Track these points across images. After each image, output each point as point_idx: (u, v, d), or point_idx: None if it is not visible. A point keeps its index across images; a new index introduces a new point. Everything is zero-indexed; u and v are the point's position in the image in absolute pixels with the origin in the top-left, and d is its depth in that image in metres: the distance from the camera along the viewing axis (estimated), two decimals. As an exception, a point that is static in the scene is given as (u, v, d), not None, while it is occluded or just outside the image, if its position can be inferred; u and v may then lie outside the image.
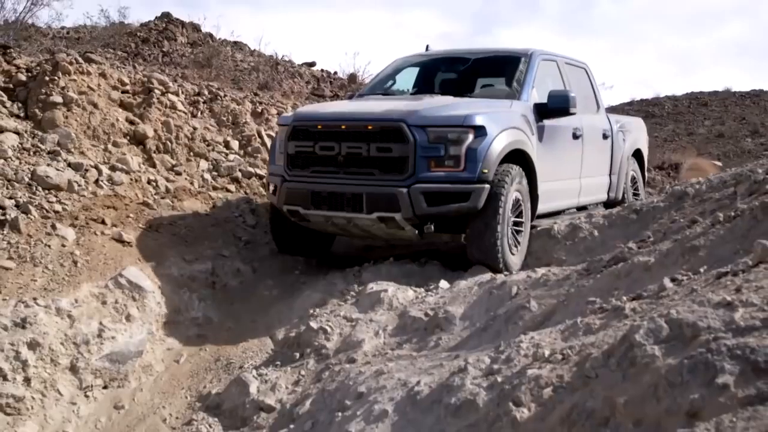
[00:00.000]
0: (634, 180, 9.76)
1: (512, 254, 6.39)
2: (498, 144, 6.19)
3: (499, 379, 3.26)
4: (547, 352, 3.25)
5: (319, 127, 6.42)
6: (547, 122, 7.21)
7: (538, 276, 5.23)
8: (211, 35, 20.45)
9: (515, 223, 6.49)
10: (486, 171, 6.05)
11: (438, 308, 5.25)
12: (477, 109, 6.46)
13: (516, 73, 7.44)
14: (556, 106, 7.15)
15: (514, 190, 6.37)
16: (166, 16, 19.85)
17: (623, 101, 38.83)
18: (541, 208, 7.05)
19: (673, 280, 3.62)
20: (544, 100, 7.22)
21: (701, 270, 3.59)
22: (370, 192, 6.06)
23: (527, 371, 3.04)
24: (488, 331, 4.66)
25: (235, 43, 20.85)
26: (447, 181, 6.01)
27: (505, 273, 6.11)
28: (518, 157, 6.57)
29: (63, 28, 18.18)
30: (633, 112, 36.69)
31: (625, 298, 3.67)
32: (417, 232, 6.20)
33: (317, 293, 6.08)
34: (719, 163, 17.84)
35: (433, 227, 6.18)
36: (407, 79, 8.39)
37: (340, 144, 6.20)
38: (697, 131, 32.84)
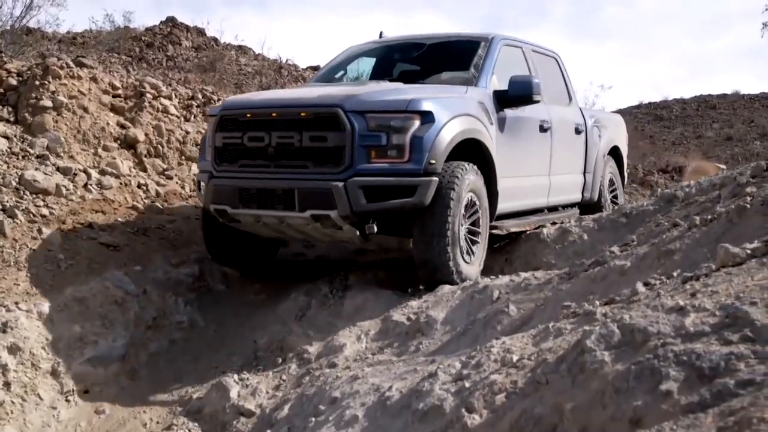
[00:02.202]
0: (612, 182, 9.18)
1: (466, 262, 5.79)
2: (448, 132, 5.63)
3: (467, 384, 3.22)
4: (515, 358, 3.21)
5: (248, 115, 5.82)
6: (509, 112, 6.67)
7: (521, 280, 5.19)
8: (215, 39, 20.57)
9: (470, 229, 5.96)
10: (434, 162, 5.48)
11: (420, 312, 5.21)
12: (424, 93, 5.89)
13: (474, 59, 6.88)
14: (517, 93, 6.56)
15: (467, 190, 5.76)
16: (170, 21, 19.99)
17: (631, 104, 38.87)
18: (503, 207, 6.53)
19: (646, 284, 3.56)
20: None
21: (674, 274, 3.54)
22: (302, 187, 5.48)
23: (490, 377, 3.00)
24: (467, 336, 4.62)
25: (240, 47, 20.96)
26: (389, 173, 5.42)
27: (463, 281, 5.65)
28: (473, 149, 6.06)
29: (68, 32, 18.31)
30: (641, 115, 36.72)
31: (597, 302, 3.62)
32: (358, 232, 5.61)
33: (302, 297, 6.03)
34: (723, 166, 17.72)
35: (375, 227, 5.56)
36: (362, 69, 7.89)
37: (270, 134, 5.62)
38: (705, 134, 32.76)
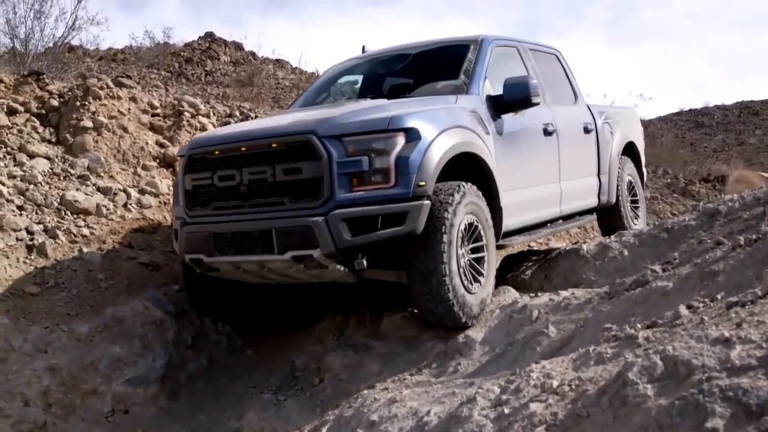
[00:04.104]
0: (630, 184, 8.43)
1: (470, 293, 5.18)
2: (438, 149, 5.07)
3: (506, 411, 3.17)
4: (555, 383, 3.15)
5: (217, 153, 5.28)
6: (507, 118, 6.13)
7: (560, 299, 5.11)
8: (253, 53, 20.78)
9: (474, 251, 5.38)
10: (423, 184, 4.90)
11: (458, 332, 5.17)
12: (407, 108, 5.36)
13: (464, 64, 6.32)
14: (514, 97, 5.99)
15: (465, 212, 5.18)
16: (209, 36, 20.25)
17: (671, 111, 38.44)
18: (510, 223, 5.97)
19: (689, 307, 3.49)
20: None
21: (718, 297, 3.46)
22: (279, 226, 4.92)
23: (530, 405, 2.95)
24: (506, 357, 4.57)
25: (277, 60, 21.15)
26: (375, 201, 4.85)
27: (465, 322, 5.14)
28: (469, 164, 5.54)
29: (109, 49, 18.64)
30: (681, 122, 36.29)
31: (639, 326, 3.55)
32: (346, 270, 5.04)
33: (340, 317, 6.00)
34: (767, 175, 17.38)
35: (365, 262, 4.96)
36: (349, 89, 7.46)
37: (241, 171, 5.10)
38: (747, 141, 32.29)
